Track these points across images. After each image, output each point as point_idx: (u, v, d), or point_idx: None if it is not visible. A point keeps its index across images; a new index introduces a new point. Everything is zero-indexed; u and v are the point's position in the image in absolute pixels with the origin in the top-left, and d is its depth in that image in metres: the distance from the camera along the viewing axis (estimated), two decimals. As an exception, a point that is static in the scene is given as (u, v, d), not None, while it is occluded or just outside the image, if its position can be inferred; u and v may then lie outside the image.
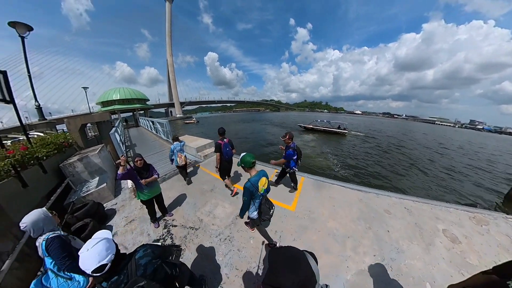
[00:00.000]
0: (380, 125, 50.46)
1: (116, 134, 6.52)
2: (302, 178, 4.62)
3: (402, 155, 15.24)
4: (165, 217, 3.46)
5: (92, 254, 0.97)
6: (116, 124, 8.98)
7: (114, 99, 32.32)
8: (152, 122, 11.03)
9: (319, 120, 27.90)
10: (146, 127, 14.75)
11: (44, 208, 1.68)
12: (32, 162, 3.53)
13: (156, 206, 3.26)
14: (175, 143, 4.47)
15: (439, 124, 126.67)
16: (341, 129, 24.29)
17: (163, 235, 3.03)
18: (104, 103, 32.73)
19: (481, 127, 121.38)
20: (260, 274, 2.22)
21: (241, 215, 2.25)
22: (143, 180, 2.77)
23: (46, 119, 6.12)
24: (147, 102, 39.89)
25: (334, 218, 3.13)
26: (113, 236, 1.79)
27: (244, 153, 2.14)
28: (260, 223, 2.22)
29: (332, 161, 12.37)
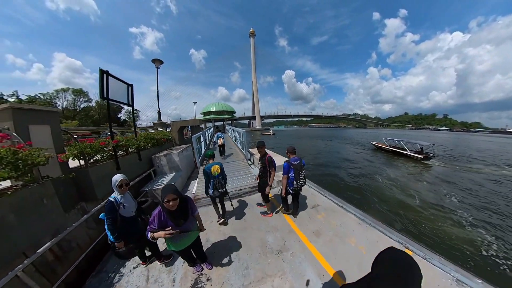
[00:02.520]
0: None
1: (202, 136, 7.39)
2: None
3: None
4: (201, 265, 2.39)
5: None
6: (206, 130, 10.33)
7: (211, 110, 43.85)
8: (233, 130, 11.35)
9: (395, 140, 18.38)
10: (229, 134, 16.63)
11: (119, 175, 2.06)
12: (130, 150, 4.13)
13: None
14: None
15: None
16: (426, 156, 14.50)
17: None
18: (205, 113, 45.22)
19: None
20: None
21: (205, 191, 3.03)
22: (178, 230, 1.73)
23: (161, 121, 8.14)
24: (235, 114, 49.53)
25: None
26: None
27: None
28: (214, 197, 3.02)
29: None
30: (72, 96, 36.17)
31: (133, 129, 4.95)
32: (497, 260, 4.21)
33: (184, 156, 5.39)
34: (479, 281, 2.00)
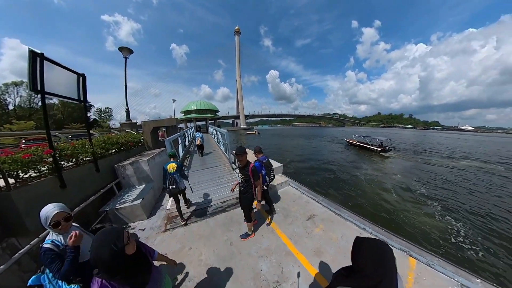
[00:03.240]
0: None
1: (179, 138, 6.48)
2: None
3: None
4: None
5: None
6: (186, 130, 9.36)
7: (192, 109, 40.59)
8: (215, 130, 10.45)
9: (362, 136, 22.71)
10: (212, 135, 15.67)
11: (51, 208, 1.27)
12: (83, 160, 3.23)
13: None
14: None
15: None
16: (385, 149, 17.92)
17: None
18: (185, 112, 41.55)
19: None
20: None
21: (163, 181, 3.06)
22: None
23: (130, 121, 6.97)
24: (218, 113, 46.90)
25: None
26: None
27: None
28: (169, 192, 3.03)
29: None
30: (27, 91, 30.81)
31: (110, 130, 3.97)
32: (464, 245, 4.78)
33: (156, 163, 4.55)
34: (478, 280, 2.04)
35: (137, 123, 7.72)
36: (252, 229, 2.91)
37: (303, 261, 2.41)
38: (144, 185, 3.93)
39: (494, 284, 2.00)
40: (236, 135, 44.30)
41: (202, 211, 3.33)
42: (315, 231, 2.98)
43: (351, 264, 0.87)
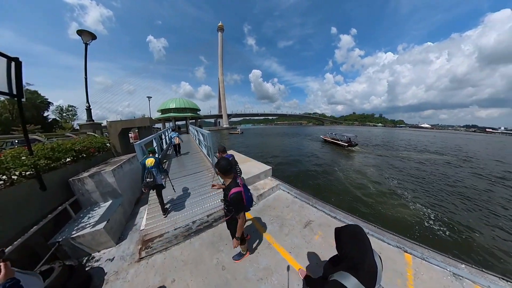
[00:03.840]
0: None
1: (154, 141, 5.65)
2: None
3: None
4: None
5: None
6: (163, 131, 8.40)
7: (170, 107, 36.47)
8: (196, 131, 9.44)
9: (334, 134, 26.44)
10: (193, 136, 14.70)
11: None
12: (18, 176, 2.42)
13: None
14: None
15: None
16: (352, 144, 21.16)
17: None
18: (163, 111, 37.41)
19: None
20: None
21: (142, 178, 3.03)
22: None
23: (92, 121, 5.83)
24: (199, 112, 43.65)
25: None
26: None
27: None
28: (146, 185, 2.99)
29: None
30: None
31: (66, 133, 3.07)
32: (434, 227, 5.48)
33: (125, 172, 3.80)
34: (462, 266, 2.26)
35: (102, 124, 6.48)
36: (246, 247, 2.52)
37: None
38: (110, 202, 3.20)
39: (474, 266, 2.27)
40: (219, 135, 43.00)
41: (184, 229, 2.79)
42: (315, 239, 2.74)
43: (334, 255, 1.05)
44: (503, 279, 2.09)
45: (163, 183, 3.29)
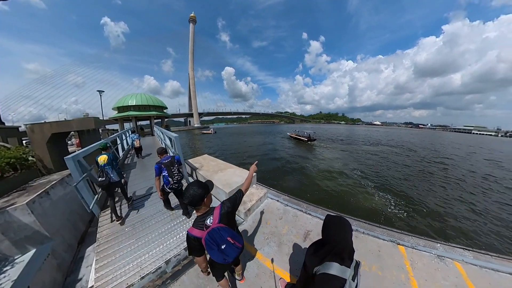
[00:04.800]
0: (408, 137, 44.49)
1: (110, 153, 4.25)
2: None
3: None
4: None
5: None
6: (118, 134, 6.80)
7: (130, 104, 29.30)
8: (162, 133, 7.75)
9: (297, 131, 30.90)
10: (158, 139, 12.87)
11: None
12: None
13: None
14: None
15: (477, 133, 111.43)
16: (311, 139, 25.63)
17: None
18: (120, 109, 29.88)
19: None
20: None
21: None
22: None
23: (3, 124, 4.07)
24: (166, 111, 38.78)
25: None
26: None
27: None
28: (99, 184, 2.84)
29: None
30: None
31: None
32: (397, 211, 6.62)
33: (55, 201, 2.62)
34: (438, 245, 2.58)
35: (20, 128, 4.40)
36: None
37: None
38: (31, 252, 2.10)
39: (448, 243, 2.64)
40: (190, 136, 39.88)
41: (155, 275, 1.96)
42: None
43: (312, 243, 1.30)
44: (466, 249, 2.54)
45: (121, 181, 3.09)
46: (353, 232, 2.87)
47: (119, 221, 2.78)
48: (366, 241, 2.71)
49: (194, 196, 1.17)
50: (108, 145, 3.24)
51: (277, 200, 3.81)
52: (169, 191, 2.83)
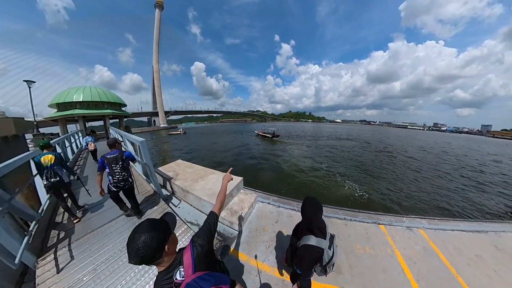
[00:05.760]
0: (365, 132, 53.18)
1: (31, 166, 3.01)
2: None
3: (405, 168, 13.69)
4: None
5: None
6: (59, 139, 5.24)
7: (75, 100, 22.10)
8: (121, 136, 6.04)
9: (263, 128, 34.60)
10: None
11: None
12: None
13: None
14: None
15: (411, 128, 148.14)
16: (275, 135, 29.37)
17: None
18: (60, 106, 22.14)
19: (444, 128, 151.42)
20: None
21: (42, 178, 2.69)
22: None
23: None
24: (125, 109, 32.61)
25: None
26: None
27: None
28: (49, 186, 2.65)
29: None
30: None
31: None
32: (361, 193, 8.00)
33: None
34: (404, 219, 3.16)
35: None
36: None
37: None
38: None
39: (410, 216, 3.27)
40: (156, 138, 34.83)
41: None
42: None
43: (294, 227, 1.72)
44: (423, 218, 3.22)
45: (70, 183, 2.93)
46: (342, 220, 3.20)
47: (76, 221, 2.70)
48: (354, 226, 2.96)
49: (146, 253, 0.71)
50: (49, 142, 2.95)
51: (268, 203, 3.62)
52: (114, 189, 2.56)
